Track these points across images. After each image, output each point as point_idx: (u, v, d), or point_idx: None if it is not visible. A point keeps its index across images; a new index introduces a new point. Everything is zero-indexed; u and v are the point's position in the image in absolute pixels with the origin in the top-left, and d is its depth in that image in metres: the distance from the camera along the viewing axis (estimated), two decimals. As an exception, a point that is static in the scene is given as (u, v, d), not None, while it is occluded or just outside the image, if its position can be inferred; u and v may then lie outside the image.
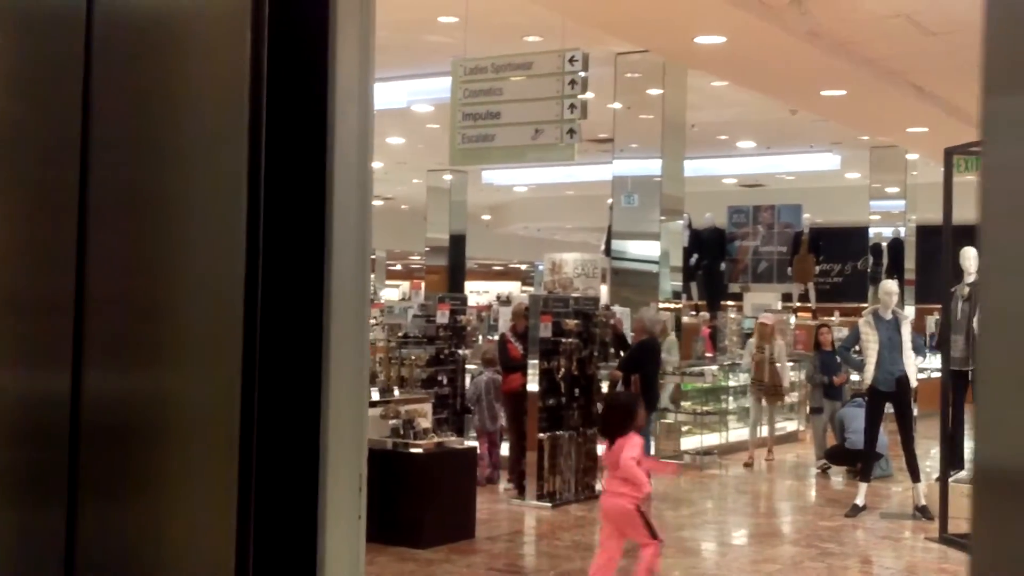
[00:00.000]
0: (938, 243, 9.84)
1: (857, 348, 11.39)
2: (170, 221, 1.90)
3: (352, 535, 1.88)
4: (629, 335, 12.57)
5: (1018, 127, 1.17)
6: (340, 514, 1.85)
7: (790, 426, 16.89)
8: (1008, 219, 1.17)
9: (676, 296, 15.05)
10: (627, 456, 6.85)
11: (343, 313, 1.87)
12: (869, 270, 21.26)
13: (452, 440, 10.02)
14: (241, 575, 1.76)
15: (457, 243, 23.92)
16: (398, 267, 37.64)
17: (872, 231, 21.39)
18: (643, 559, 7.11)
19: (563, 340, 11.23)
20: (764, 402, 14.30)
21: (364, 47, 1.89)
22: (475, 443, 11.51)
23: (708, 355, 17.43)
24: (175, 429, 1.88)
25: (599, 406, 11.77)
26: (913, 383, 10.97)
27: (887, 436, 12.21)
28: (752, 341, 14.74)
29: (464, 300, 14.87)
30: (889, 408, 10.96)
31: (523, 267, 37.78)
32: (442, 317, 13.37)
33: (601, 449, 11.51)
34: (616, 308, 13.64)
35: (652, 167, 14.49)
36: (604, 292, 16.04)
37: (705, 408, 14.77)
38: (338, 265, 1.86)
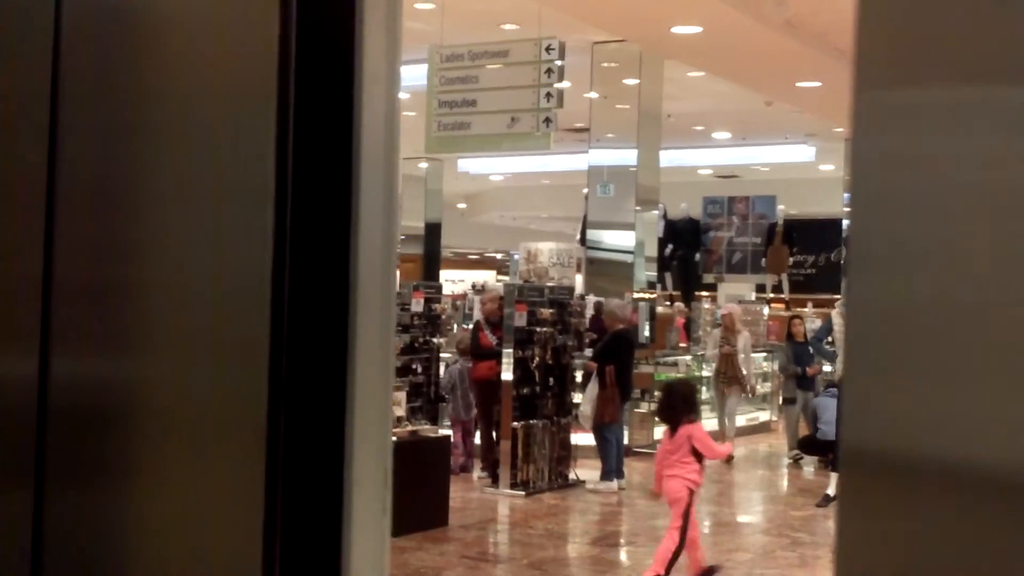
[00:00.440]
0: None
1: (830, 339, 11.44)
2: (185, 206, 1.83)
3: (377, 529, 1.82)
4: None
5: (887, 122, 1.22)
6: (366, 508, 1.80)
7: (762, 416, 16.96)
8: (874, 213, 1.22)
9: (651, 286, 15.07)
10: (714, 448, 7.70)
11: (369, 302, 1.81)
12: (842, 262, 21.35)
13: (426, 428, 10.02)
14: (268, 570, 1.72)
15: (432, 231, 23.87)
16: (373, 255, 37.47)
17: (846, 223, 21.43)
18: (663, 544, 7.42)
19: (538, 329, 11.24)
20: (725, 392, 14.28)
21: (391, 27, 1.82)
22: (449, 432, 11.51)
23: (682, 345, 17.48)
24: (189, 421, 1.82)
25: (572, 396, 11.82)
26: (885, 374, 11.01)
27: (859, 427, 12.26)
28: (717, 332, 14.75)
29: (439, 289, 14.84)
30: (861, 399, 11.00)
31: (499, 256, 37.78)
32: (417, 305, 13.34)
33: (587, 434, 11.53)
34: (588, 301, 13.64)
35: (628, 157, 14.49)
36: (579, 281, 16.06)
37: (679, 398, 14.77)
38: (364, 253, 1.80)
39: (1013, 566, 1.12)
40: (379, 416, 1.84)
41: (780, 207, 22.74)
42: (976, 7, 1.18)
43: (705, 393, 15.35)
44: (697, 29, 11.29)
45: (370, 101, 1.80)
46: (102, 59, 1.92)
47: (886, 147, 1.22)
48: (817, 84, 13.58)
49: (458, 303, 20.93)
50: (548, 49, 11.27)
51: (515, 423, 10.89)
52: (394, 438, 8.95)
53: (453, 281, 28.97)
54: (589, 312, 13.20)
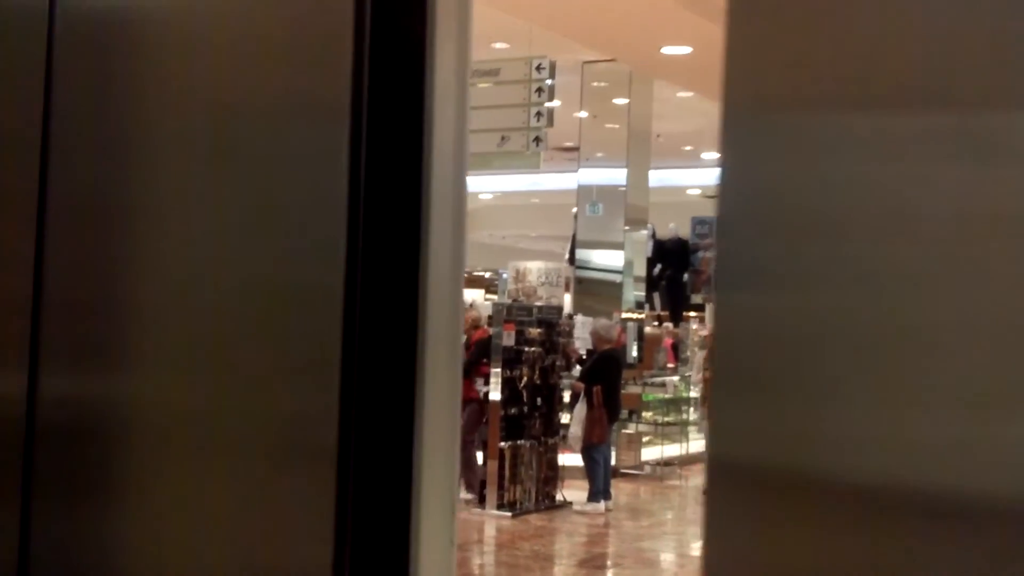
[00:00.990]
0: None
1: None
2: (254, 225, 1.75)
3: (446, 562, 1.75)
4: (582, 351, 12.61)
5: (754, 141, 1.28)
6: (434, 540, 1.73)
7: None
8: (740, 229, 1.29)
9: (639, 306, 15.07)
10: None
11: (438, 326, 1.73)
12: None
13: (413, 448, 9.95)
14: None
15: (421, 249, 23.76)
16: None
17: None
18: None
19: (526, 349, 11.20)
20: None
21: (461, 45, 1.78)
22: (436, 451, 11.45)
23: (670, 365, 17.46)
24: (255, 441, 1.74)
25: (560, 416, 11.78)
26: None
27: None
28: (702, 355, 14.71)
29: (427, 307, 14.78)
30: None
31: (487, 275, 37.75)
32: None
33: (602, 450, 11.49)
34: (577, 321, 13.61)
35: (617, 176, 14.52)
36: (568, 301, 16.05)
37: (666, 419, 14.78)
38: (434, 275, 1.73)
39: (874, 571, 1.18)
40: (447, 440, 1.76)
41: (768, 228, 22.70)
42: (841, 35, 1.22)
43: (693, 414, 15.35)
44: (687, 50, 11.32)
45: (442, 117, 1.75)
46: (97, 73, 1.89)
47: (752, 169, 1.28)
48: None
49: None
50: (538, 68, 11.29)
51: (502, 443, 10.85)
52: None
53: (441, 299, 28.88)
54: (579, 332, 13.14)
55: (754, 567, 1.26)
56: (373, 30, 1.68)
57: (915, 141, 1.17)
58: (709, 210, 23.72)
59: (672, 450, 14.40)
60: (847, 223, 1.21)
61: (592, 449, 11.24)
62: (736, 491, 1.28)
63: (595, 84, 14.42)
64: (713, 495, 1.31)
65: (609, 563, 9.68)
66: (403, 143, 1.74)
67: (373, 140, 1.68)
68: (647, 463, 13.94)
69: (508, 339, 11.06)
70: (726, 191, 1.30)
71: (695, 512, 12.12)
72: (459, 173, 1.78)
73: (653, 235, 19.03)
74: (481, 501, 11.00)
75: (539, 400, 11.30)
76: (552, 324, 11.72)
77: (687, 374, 16.23)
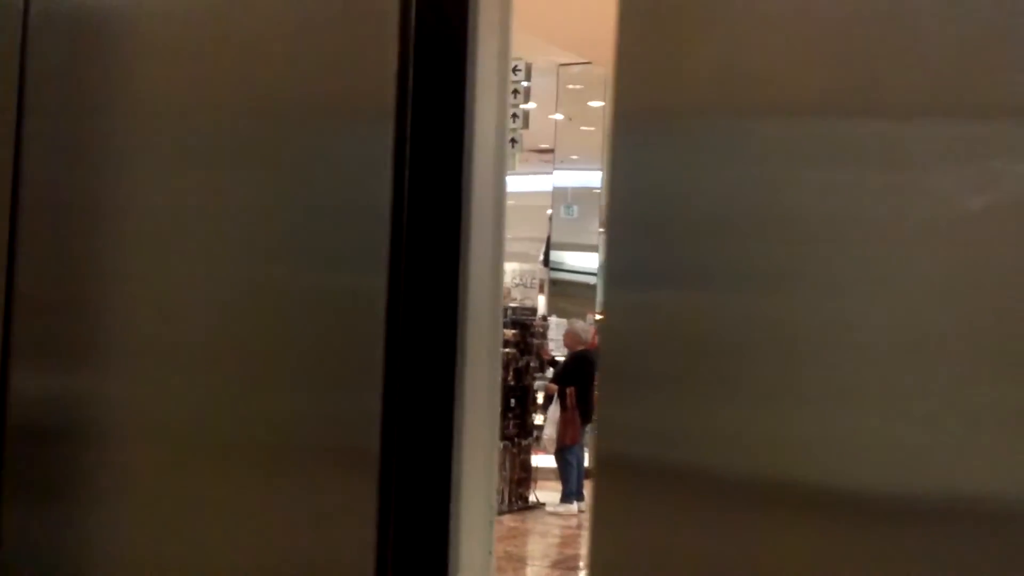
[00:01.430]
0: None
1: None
2: (296, 225, 1.72)
3: (484, 572, 1.74)
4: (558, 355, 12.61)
5: (639, 158, 1.35)
6: (473, 549, 1.73)
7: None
8: (625, 241, 1.38)
9: (613, 308, 15.07)
10: None
11: (478, 329, 1.71)
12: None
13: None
14: None
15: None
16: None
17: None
18: None
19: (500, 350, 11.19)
20: None
21: (503, 35, 1.77)
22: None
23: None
24: (296, 448, 1.71)
25: (534, 417, 11.78)
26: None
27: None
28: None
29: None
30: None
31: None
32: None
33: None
34: (552, 323, 13.62)
35: (592, 179, 14.53)
36: (542, 302, 16.06)
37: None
38: (474, 277, 1.71)
39: (752, 564, 1.23)
40: (486, 446, 1.75)
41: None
42: (724, 46, 1.27)
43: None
44: (663, 53, 11.35)
45: (482, 118, 1.73)
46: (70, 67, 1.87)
47: (641, 174, 1.34)
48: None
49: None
50: (514, 70, 11.29)
51: (476, 444, 10.83)
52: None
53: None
54: (553, 333, 13.14)
55: (639, 561, 1.30)
56: (417, 30, 1.65)
57: (794, 145, 1.22)
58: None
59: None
60: (729, 225, 1.25)
61: (565, 450, 11.25)
62: (623, 486, 1.32)
63: (571, 87, 14.42)
64: (600, 491, 1.35)
65: (582, 564, 9.68)
66: (445, 142, 1.71)
67: (416, 140, 1.65)
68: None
69: (482, 340, 11.05)
70: (614, 194, 1.38)
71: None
72: (500, 172, 1.77)
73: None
74: (454, 502, 10.98)
75: (512, 401, 11.30)
76: (526, 325, 11.73)
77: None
